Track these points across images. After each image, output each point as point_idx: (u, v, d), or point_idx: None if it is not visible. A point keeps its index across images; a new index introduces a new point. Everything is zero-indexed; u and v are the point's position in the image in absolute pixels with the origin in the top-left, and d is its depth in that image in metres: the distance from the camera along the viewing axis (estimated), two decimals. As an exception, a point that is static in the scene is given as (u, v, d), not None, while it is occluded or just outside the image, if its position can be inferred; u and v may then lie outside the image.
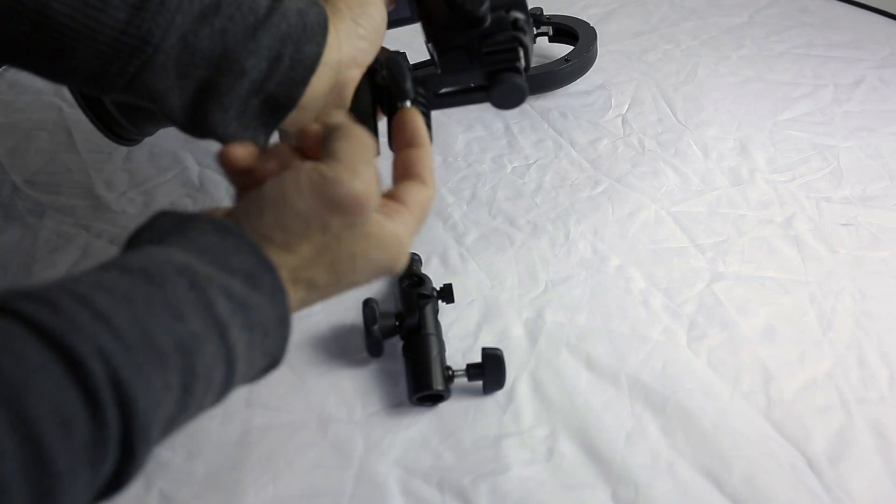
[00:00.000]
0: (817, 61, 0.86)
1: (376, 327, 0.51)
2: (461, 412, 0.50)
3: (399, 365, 0.52)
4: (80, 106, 0.55)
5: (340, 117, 0.40)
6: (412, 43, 0.56)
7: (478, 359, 0.50)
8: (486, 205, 0.67)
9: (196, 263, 0.32)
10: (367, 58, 0.46)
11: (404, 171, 0.41)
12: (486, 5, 0.46)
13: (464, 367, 0.50)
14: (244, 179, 0.39)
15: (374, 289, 0.58)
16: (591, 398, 0.50)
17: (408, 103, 0.45)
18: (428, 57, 0.54)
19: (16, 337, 0.26)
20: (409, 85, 0.45)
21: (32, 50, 0.39)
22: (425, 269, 0.60)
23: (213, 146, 0.77)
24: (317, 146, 0.39)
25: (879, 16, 0.95)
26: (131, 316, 0.29)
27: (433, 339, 0.50)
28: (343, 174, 0.36)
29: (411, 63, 0.48)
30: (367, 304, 0.52)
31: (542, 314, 0.56)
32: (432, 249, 0.62)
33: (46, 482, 0.25)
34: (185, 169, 0.72)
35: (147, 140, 0.67)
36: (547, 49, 0.88)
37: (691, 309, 0.56)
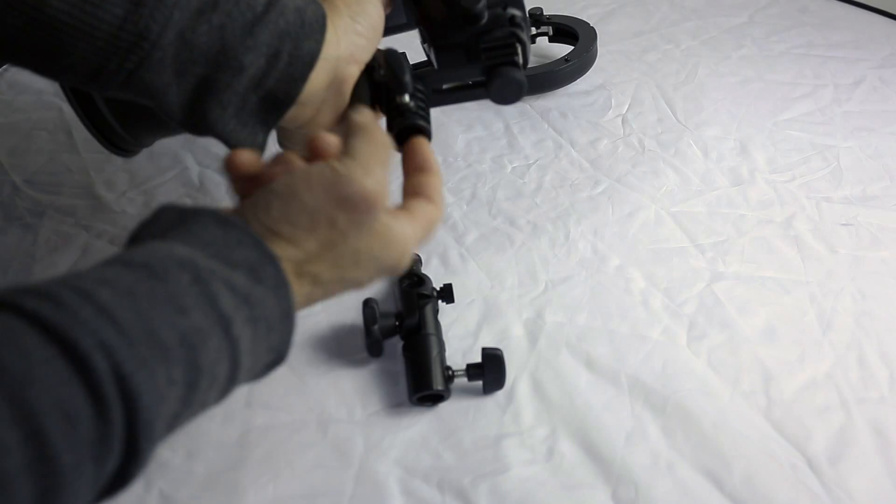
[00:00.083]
0: (817, 61, 0.86)
1: (376, 327, 0.51)
2: (461, 412, 0.50)
3: (399, 365, 0.52)
4: (79, 116, 0.55)
5: (365, 115, 0.40)
6: (411, 44, 0.56)
7: (478, 359, 0.50)
8: (486, 205, 0.67)
9: (199, 257, 0.32)
10: (365, 55, 0.46)
11: (414, 192, 0.41)
12: (482, 2, 0.46)
13: (464, 367, 0.50)
14: (248, 186, 0.39)
15: (374, 289, 0.58)
16: (591, 398, 0.50)
17: (406, 97, 0.45)
18: (425, 58, 0.54)
19: (19, 332, 0.26)
20: (407, 78, 0.45)
21: (30, 47, 0.39)
22: (425, 269, 0.60)
23: (214, 146, 0.77)
24: (326, 154, 0.39)
25: (879, 16, 0.95)
26: (134, 310, 0.28)
27: (433, 339, 0.50)
28: (356, 172, 0.36)
29: (410, 63, 0.48)
30: (367, 304, 0.52)
31: (542, 314, 0.56)
32: (432, 249, 0.62)
33: (51, 477, 0.25)
34: (185, 169, 0.72)
35: (147, 140, 0.67)
36: (547, 49, 0.88)
37: (691, 309, 0.56)
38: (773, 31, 0.92)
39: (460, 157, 0.73)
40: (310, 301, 0.38)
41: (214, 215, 0.34)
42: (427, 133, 0.46)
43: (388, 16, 0.48)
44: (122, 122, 0.56)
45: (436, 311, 0.54)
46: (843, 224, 0.64)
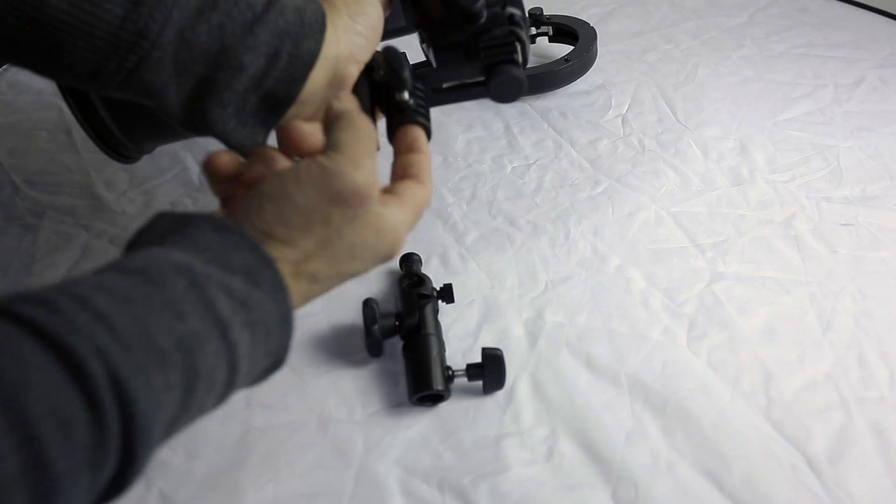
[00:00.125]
0: (817, 61, 0.86)
1: (376, 327, 0.51)
2: (461, 412, 0.50)
3: (399, 365, 0.52)
4: (79, 122, 0.55)
5: (346, 103, 0.40)
6: (410, 46, 0.56)
7: (478, 359, 0.50)
8: (486, 205, 0.67)
9: (195, 262, 0.32)
10: (365, 55, 0.46)
11: (402, 173, 0.42)
12: (481, 1, 0.46)
13: (464, 367, 0.50)
14: (229, 188, 0.40)
15: (374, 289, 0.58)
16: (591, 398, 0.50)
17: (406, 94, 0.45)
18: (424, 59, 0.54)
19: (14, 338, 0.26)
20: (407, 75, 0.45)
21: (29, 46, 0.39)
22: (425, 269, 0.60)
23: (214, 146, 0.77)
24: (300, 144, 0.39)
25: (879, 16, 0.95)
26: (131, 315, 0.28)
27: (433, 339, 0.50)
28: (345, 166, 0.36)
29: (410, 63, 0.48)
30: (367, 304, 0.52)
31: (542, 314, 0.56)
32: (432, 249, 0.62)
33: (46, 484, 0.25)
34: (185, 169, 0.72)
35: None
36: (547, 49, 0.88)
37: (691, 309, 0.56)
38: (773, 31, 0.92)
39: (460, 157, 0.73)
40: (308, 298, 0.38)
41: (211, 220, 0.34)
42: (427, 130, 0.46)
43: (387, 19, 0.48)
44: (123, 128, 0.56)
45: (436, 311, 0.54)
46: (843, 224, 0.64)
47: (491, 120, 0.78)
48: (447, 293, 0.54)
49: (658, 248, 0.62)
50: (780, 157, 0.72)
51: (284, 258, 0.35)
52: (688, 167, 0.70)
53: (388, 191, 0.40)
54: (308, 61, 0.42)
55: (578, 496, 0.45)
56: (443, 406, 0.50)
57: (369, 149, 0.38)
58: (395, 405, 0.50)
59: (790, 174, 0.69)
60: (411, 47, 0.54)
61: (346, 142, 0.37)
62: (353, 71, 0.45)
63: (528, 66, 0.83)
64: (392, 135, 0.46)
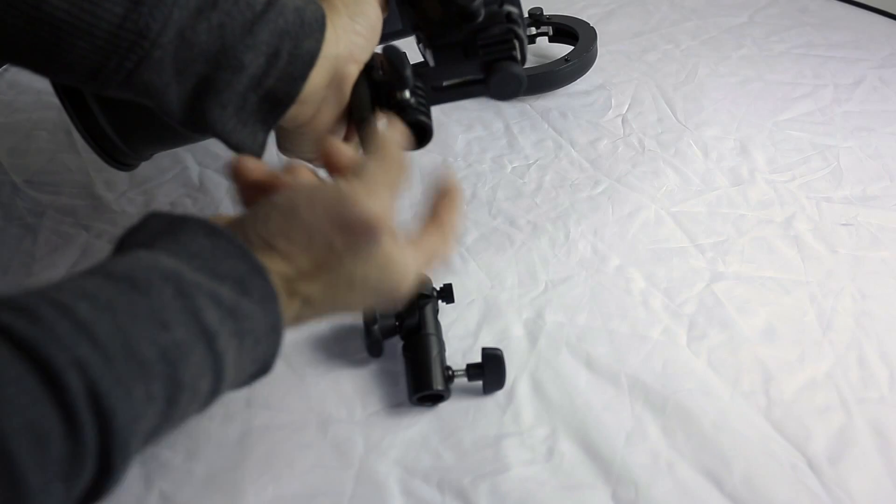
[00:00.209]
0: (817, 61, 0.86)
1: (376, 327, 0.51)
2: (461, 412, 0.50)
3: (399, 365, 0.52)
4: (78, 129, 0.55)
5: (386, 132, 0.39)
6: (409, 48, 0.56)
7: (478, 359, 0.50)
8: (486, 205, 0.67)
9: (184, 269, 0.31)
10: (364, 54, 0.46)
11: (428, 218, 0.41)
12: (479, 0, 0.46)
13: (464, 367, 0.50)
14: (252, 195, 0.39)
15: (374, 289, 0.58)
16: (591, 398, 0.50)
17: (407, 93, 0.45)
18: (423, 60, 0.54)
19: None
20: (408, 73, 0.45)
21: (29, 45, 0.39)
22: (425, 269, 0.60)
23: (214, 146, 0.77)
24: (339, 168, 0.38)
25: (879, 16, 0.95)
26: (113, 324, 0.28)
27: (433, 339, 0.50)
28: (360, 194, 0.35)
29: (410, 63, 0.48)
30: (367, 304, 0.52)
31: (542, 314, 0.56)
32: (432, 249, 0.62)
33: (17, 501, 0.24)
34: (185, 169, 0.72)
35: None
36: (547, 49, 0.88)
37: (691, 309, 0.56)
38: (773, 31, 0.92)
39: (460, 157, 0.73)
40: (299, 320, 0.36)
41: (203, 225, 0.33)
42: (429, 129, 0.46)
43: (384, 22, 0.48)
44: (122, 135, 0.55)
45: (436, 311, 0.54)
46: (843, 224, 0.64)
47: (491, 120, 0.78)
48: (447, 293, 0.54)
49: (658, 248, 0.62)
50: (780, 157, 0.72)
51: (280, 272, 0.34)
52: (688, 167, 0.70)
53: (407, 235, 0.39)
54: (308, 61, 0.42)
55: (578, 496, 0.45)
56: (443, 406, 0.50)
57: (391, 180, 0.37)
58: (395, 405, 0.50)
59: (790, 174, 0.69)
60: (410, 49, 0.54)
61: (371, 169, 0.37)
62: (353, 70, 0.45)
63: (529, 66, 0.83)
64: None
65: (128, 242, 0.34)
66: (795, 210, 0.65)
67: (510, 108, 0.79)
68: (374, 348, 0.52)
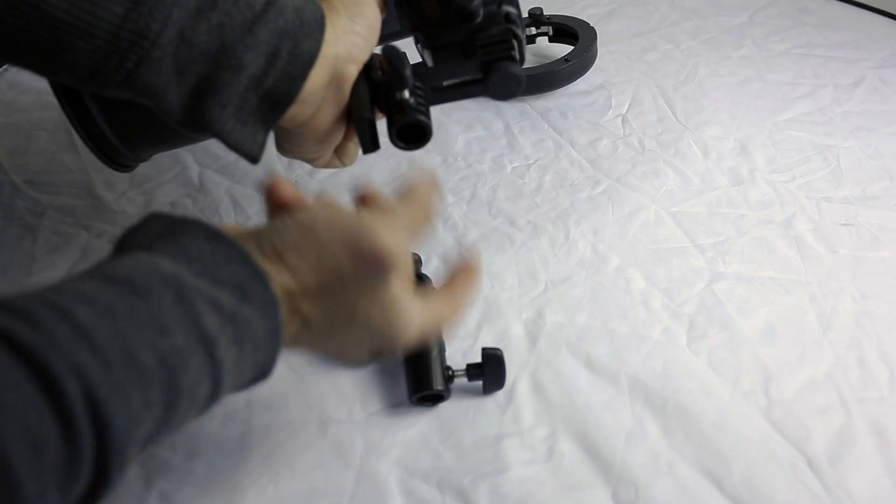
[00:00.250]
0: (817, 61, 0.86)
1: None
2: (461, 412, 0.50)
3: (399, 365, 0.52)
4: (77, 131, 0.55)
5: (420, 179, 0.40)
6: (408, 49, 0.56)
7: (478, 359, 0.50)
8: (486, 205, 0.67)
9: (184, 274, 0.31)
10: (363, 54, 0.46)
11: (444, 285, 0.42)
12: (477, 0, 0.46)
13: (464, 367, 0.50)
14: (281, 215, 0.39)
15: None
16: (591, 398, 0.50)
17: (406, 93, 0.45)
18: (421, 61, 0.54)
19: None
20: (407, 72, 0.45)
21: (29, 45, 0.39)
22: (425, 269, 0.60)
23: (214, 146, 0.77)
24: (368, 201, 0.40)
25: (879, 16, 0.95)
26: (112, 330, 0.28)
27: (433, 340, 0.50)
28: (377, 225, 0.35)
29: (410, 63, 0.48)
30: (367, 304, 0.52)
31: (542, 314, 0.56)
32: (432, 249, 0.62)
33: None
34: (185, 169, 0.72)
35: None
36: (547, 49, 0.88)
37: (691, 309, 0.56)
38: (773, 31, 0.92)
39: (460, 157, 0.73)
40: (296, 343, 0.36)
41: (204, 228, 0.33)
42: (428, 129, 0.46)
43: (382, 23, 0.48)
44: (120, 136, 0.55)
45: (436, 311, 0.54)
46: (843, 224, 0.64)
47: (491, 120, 0.78)
48: (447, 293, 0.54)
49: (658, 248, 0.62)
50: (780, 157, 0.72)
51: (284, 285, 0.34)
52: (688, 167, 0.70)
53: (419, 290, 0.40)
54: (307, 60, 0.42)
55: (578, 496, 0.45)
56: (443, 406, 0.50)
57: (413, 224, 0.38)
58: (395, 405, 0.50)
59: (790, 174, 0.69)
60: (409, 49, 0.54)
61: (394, 207, 0.38)
62: (352, 70, 0.45)
63: (529, 66, 0.83)
64: (392, 133, 0.46)
65: (127, 243, 0.34)
66: (795, 210, 0.65)
67: (510, 108, 0.79)
68: (374, 348, 0.52)
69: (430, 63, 0.51)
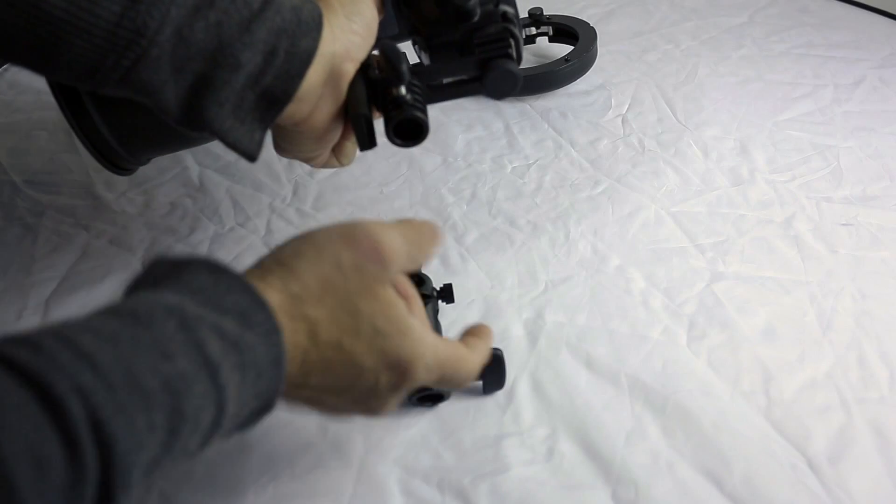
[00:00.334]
0: (817, 61, 0.86)
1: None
2: (461, 412, 0.50)
3: (399, 365, 0.52)
4: (76, 134, 0.55)
5: (427, 220, 0.42)
6: (407, 50, 0.56)
7: (478, 359, 0.50)
8: (486, 205, 0.67)
9: (187, 304, 0.31)
10: (361, 53, 0.46)
11: (462, 336, 0.45)
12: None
13: (464, 367, 0.50)
14: None
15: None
16: (591, 398, 0.50)
17: (403, 89, 0.45)
18: (419, 61, 0.54)
19: None
20: (404, 67, 0.45)
21: (27, 43, 0.39)
22: (425, 269, 0.60)
23: (214, 146, 0.77)
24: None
25: (879, 16, 0.95)
26: (115, 355, 0.28)
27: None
28: (373, 224, 0.37)
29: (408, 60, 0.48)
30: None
31: (542, 314, 0.56)
32: (432, 249, 0.62)
33: None
34: (185, 169, 0.72)
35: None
36: (547, 49, 0.88)
37: (691, 309, 0.56)
38: (773, 31, 0.92)
39: (460, 157, 0.73)
40: (305, 360, 0.35)
41: (206, 263, 0.34)
42: (425, 126, 0.46)
43: (380, 25, 0.48)
44: (120, 139, 0.55)
45: (436, 311, 0.54)
46: (843, 224, 0.64)
47: (491, 120, 0.78)
48: (447, 293, 0.54)
49: (658, 248, 0.62)
50: (780, 157, 0.72)
51: (285, 289, 0.35)
52: (688, 167, 0.70)
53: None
54: (305, 59, 0.42)
55: (578, 496, 0.45)
56: (443, 406, 0.50)
57: (413, 238, 0.39)
58: (394, 405, 0.50)
59: (790, 174, 0.69)
60: (407, 50, 0.54)
61: (397, 223, 0.40)
62: (350, 69, 0.45)
63: (529, 66, 0.84)
64: (389, 129, 0.46)
65: (134, 288, 0.34)
66: (795, 210, 0.65)
67: (510, 108, 0.79)
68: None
69: (428, 62, 0.51)
